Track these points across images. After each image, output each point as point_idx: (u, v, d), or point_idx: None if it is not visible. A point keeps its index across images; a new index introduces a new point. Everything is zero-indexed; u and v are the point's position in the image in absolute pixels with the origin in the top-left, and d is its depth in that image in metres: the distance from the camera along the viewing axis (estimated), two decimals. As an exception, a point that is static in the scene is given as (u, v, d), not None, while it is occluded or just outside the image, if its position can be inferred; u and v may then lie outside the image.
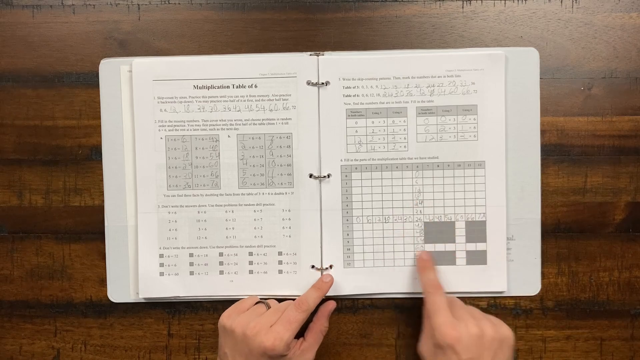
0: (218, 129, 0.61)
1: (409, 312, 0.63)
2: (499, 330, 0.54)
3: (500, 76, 0.60)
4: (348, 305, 0.63)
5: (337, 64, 0.60)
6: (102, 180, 0.62)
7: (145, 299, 0.62)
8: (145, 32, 0.62)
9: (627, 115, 0.62)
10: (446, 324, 0.53)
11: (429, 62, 0.60)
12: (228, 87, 0.61)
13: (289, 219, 0.61)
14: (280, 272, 0.61)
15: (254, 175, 0.61)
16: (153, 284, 0.62)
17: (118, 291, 0.63)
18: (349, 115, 0.61)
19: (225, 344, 0.55)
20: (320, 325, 0.59)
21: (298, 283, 0.61)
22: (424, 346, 0.55)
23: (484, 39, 0.62)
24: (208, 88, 0.61)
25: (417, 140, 0.60)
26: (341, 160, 0.61)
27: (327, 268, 0.61)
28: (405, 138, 0.61)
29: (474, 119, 0.60)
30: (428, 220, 0.61)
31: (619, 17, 0.61)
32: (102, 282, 0.63)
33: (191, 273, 0.62)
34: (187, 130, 0.61)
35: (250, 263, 0.62)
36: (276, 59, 0.61)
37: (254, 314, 0.56)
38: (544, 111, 0.61)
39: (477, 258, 0.61)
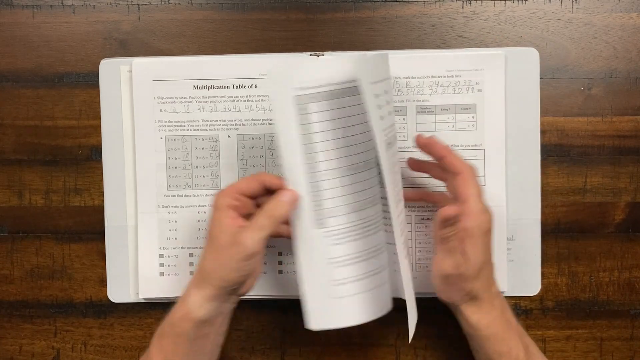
0: (218, 129, 0.61)
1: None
2: None
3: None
4: (348, 306, 0.63)
5: (337, 64, 0.60)
6: (102, 180, 0.62)
7: (145, 299, 0.62)
8: (145, 32, 0.62)
9: (627, 115, 0.62)
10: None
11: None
12: (228, 87, 0.61)
13: (289, 219, 0.61)
14: (280, 272, 0.61)
15: (254, 175, 0.61)
16: (153, 284, 0.62)
17: (118, 291, 0.63)
18: (348, 115, 0.60)
19: None
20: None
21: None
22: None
23: (484, 39, 0.61)
24: (208, 88, 0.61)
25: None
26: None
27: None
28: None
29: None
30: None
31: (619, 17, 0.61)
32: (102, 282, 0.63)
33: (191, 273, 0.62)
34: (187, 130, 0.61)
35: (250, 263, 0.61)
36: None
37: None
38: (544, 111, 0.61)
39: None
